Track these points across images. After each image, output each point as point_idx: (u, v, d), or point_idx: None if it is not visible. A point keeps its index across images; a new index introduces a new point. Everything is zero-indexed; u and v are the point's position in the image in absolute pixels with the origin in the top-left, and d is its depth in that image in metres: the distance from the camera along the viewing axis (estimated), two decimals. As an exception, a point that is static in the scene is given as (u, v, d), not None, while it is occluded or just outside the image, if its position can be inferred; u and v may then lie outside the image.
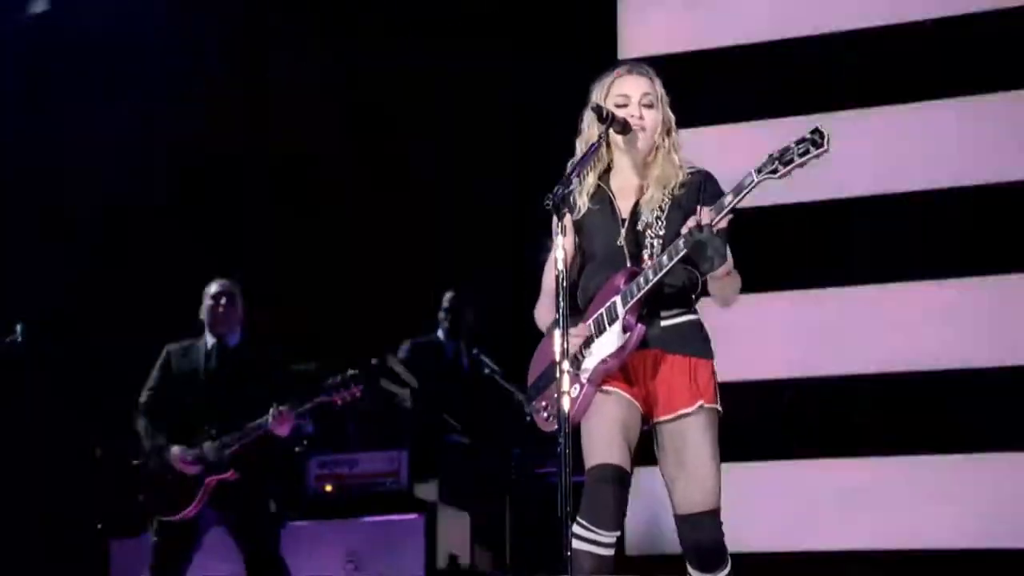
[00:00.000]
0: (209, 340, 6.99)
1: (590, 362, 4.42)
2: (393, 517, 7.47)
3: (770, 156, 4.10)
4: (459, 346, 8.49)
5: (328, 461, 7.86)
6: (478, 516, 7.85)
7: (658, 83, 4.60)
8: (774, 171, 4.08)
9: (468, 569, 7.64)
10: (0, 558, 8.37)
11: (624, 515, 4.34)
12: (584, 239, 4.61)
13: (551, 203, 4.23)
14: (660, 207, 4.47)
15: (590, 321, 4.46)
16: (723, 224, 4.20)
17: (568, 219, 4.42)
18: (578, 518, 4.29)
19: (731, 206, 4.16)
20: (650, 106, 4.54)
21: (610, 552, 4.30)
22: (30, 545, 8.63)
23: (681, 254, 4.24)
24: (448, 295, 8.57)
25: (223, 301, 6.99)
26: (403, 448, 7.76)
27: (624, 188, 4.59)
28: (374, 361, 8.20)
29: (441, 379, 8.34)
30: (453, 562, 7.57)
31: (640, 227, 4.46)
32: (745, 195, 4.13)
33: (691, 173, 4.53)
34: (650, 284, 4.32)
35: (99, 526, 8.06)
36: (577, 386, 4.42)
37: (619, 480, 4.31)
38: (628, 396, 4.42)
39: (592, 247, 4.57)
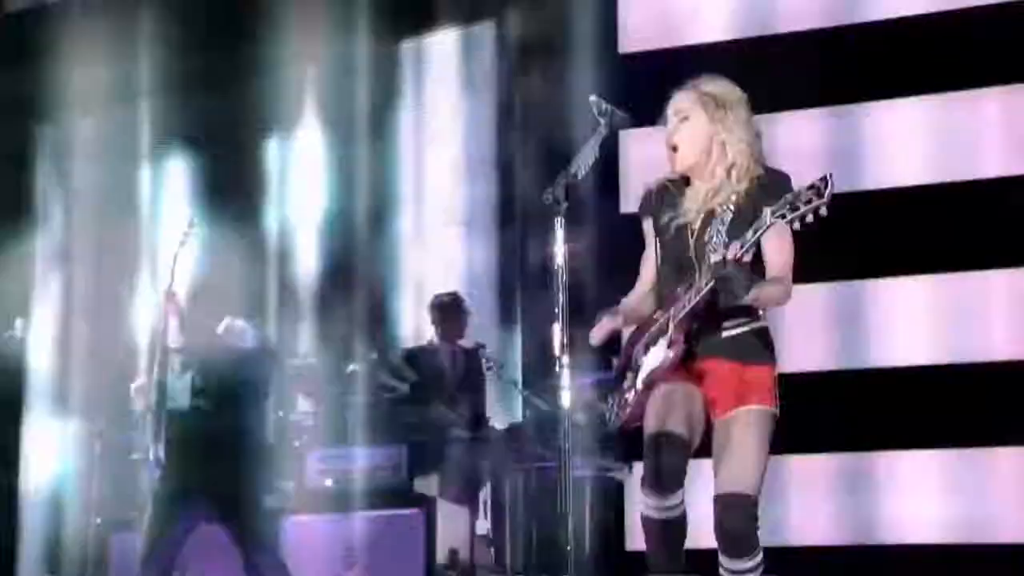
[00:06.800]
0: None
1: (645, 369, 4.54)
2: (393, 511, 7.45)
3: (785, 198, 4.14)
4: (455, 344, 8.43)
5: (328, 456, 7.83)
6: (478, 511, 7.85)
7: (712, 86, 4.61)
8: (783, 216, 4.13)
9: (468, 563, 7.62)
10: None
11: (684, 476, 4.43)
12: (661, 243, 4.67)
13: (550, 196, 4.30)
14: (722, 220, 4.50)
15: (651, 329, 4.55)
16: (747, 257, 4.27)
17: (649, 224, 4.66)
18: (641, 489, 4.43)
19: (750, 243, 4.23)
20: (685, 119, 4.59)
21: (677, 513, 4.40)
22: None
23: (709, 287, 4.33)
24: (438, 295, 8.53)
25: None
26: (403, 442, 7.74)
27: (694, 197, 4.61)
28: (374, 355, 8.19)
29: (440, 373, 8.32)
30: (453, 556, 7.56)
31: (706, 238, 4.50)
32: (761, 234, 4.20)
33: (758, 178, 4.54)
34: (690, 306, 4.40)
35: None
36: (632, 392, 4.56)
37: (676, 443, 4.41)
38: (697, 391, 4.52)
39: (666, 253, 4.64)
